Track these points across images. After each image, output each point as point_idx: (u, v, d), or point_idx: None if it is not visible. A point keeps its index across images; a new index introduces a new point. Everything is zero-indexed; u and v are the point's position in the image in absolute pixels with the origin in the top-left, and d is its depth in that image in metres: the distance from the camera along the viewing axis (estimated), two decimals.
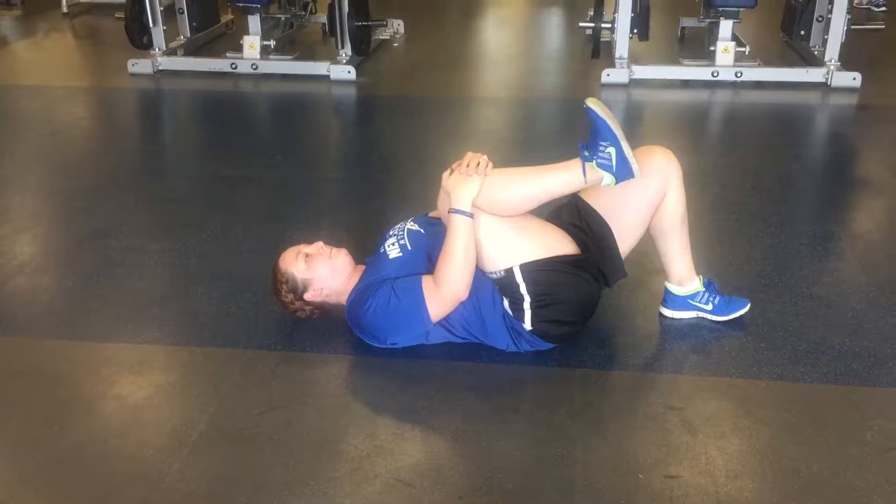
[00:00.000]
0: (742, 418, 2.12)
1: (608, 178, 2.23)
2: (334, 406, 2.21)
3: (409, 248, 2.39)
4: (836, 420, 2.11)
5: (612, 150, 2.19)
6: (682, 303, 2.52)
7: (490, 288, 2.32)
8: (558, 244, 2.33)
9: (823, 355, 2.36)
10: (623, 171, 2.21)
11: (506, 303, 2.31)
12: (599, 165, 2.22)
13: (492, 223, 2.26)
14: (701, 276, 2.52)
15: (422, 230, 2.44)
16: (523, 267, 2.26)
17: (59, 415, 2.16)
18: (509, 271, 2.27)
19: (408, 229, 2.45)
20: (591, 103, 2.21)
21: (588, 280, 2.33)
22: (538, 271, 2.26)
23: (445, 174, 2.29)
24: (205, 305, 2.65)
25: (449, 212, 2.24)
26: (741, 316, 2.52)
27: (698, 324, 2.52)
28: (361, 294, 2.33)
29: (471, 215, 2.23)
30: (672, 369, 2.35)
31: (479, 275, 2.30)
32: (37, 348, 2.47)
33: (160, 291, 2.76)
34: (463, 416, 2.14)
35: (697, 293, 2.50)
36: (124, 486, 1.93)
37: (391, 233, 2.48)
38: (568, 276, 2.29)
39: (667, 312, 2.55)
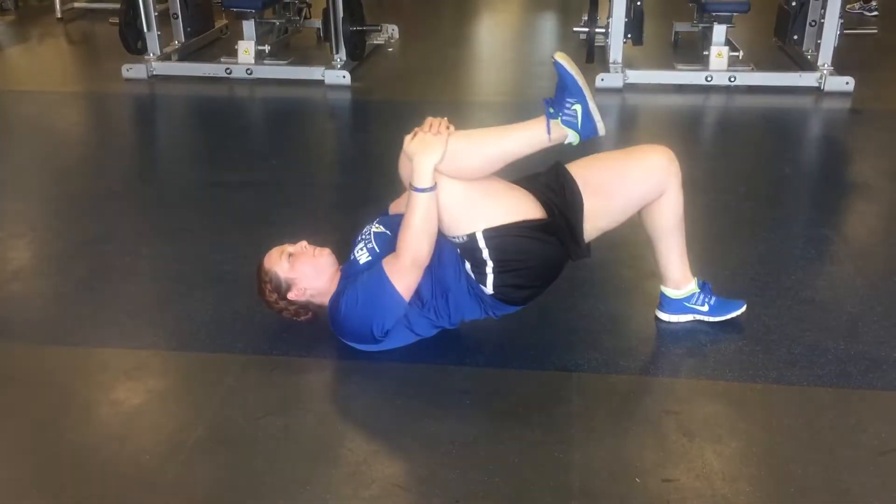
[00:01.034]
0: (738, 422, 2.13)
1: (572, 135, 2.19)
2: (331, 411, 2.21)
3: (378, 251, 2.39)
4: (832, 423, 2.11)
5: (578, 106, 2.16)
6: (679, 306, 2.52)
7: (452, 254, 2.31)
8: (523, 208, 2.29)
9: (819, 358, 2.37)
10: (588, 129, 2.18)
11: (467, 265, 2.29)
12: (564, 122, 2.17)
13: (454, 187, 2.22)
14: (696, 278, 2.52)
15: (388, 231, 2.44)
16: (486, 233, 2.23)
17: (54, 421, 2.16)
18: (472, 237, 2.24)
19: (373, 232, 2.45)
20: (560, 58, 2.17)
21: (553, 244, 2.30)
22: (501, 237, 2.23)
23: (408, 138, 2.24)
24: (200, 310, 2.64)
25: (410, 188, 2.21)
26: (737, 319, 2.53)
27: (694, 327, 2.52)
28: (335, 300, 2.34)
29: (433, 189, 2.19)
30: (668, 373, 2.36)
31: (441, 241, 2.29)
32: (32, 354, 2.46)
33: (156, 297, 2.76)
34: (459, 420, 2.14)
35: (693, 295, 2.51)
36: (121, 492, 1.92)
37: (359, 238, 2.48)
38: (532, 241, 2.27)
39: (663, 316, 2.55)
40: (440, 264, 2.31)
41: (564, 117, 2.18)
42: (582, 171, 2.37)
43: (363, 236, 2.47)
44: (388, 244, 2.38)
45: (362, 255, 2.41)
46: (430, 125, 2.23)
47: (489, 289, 2.30)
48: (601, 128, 2.19)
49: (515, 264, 2.27)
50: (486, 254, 2.24)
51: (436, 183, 2.19)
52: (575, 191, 2.33)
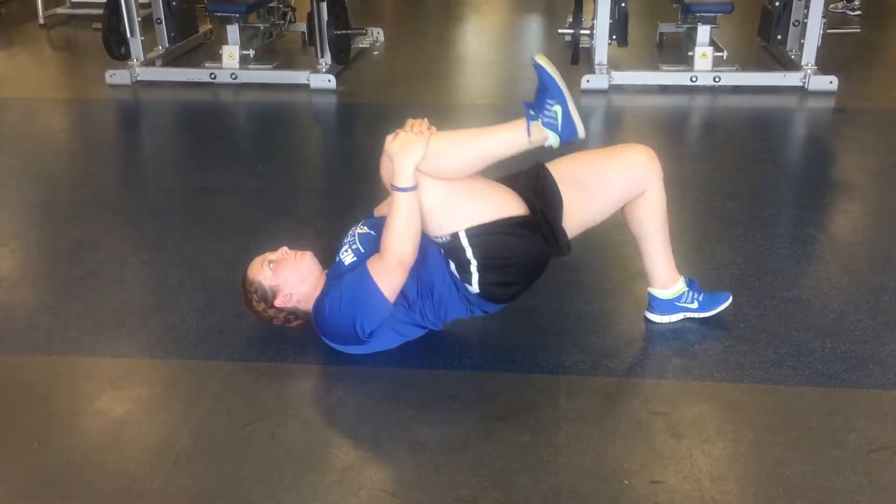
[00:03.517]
0: (726, 422, 2.13)
1: (553, 137, 2.20)
2: (318, 417, 2.20)
3: (363, 251, 2.39)
4: (819, 422, 2.12)
5: (558, 108, 2.17)
6: (669, 306, 2.52)
7: (436, 254, 2.31)
8: (505, 205, 2.30)
9: (805, 358, 2.37)
10: (568, 131, 2.19)
11: (452, 266, 2.30)
12: (545, 124, 2.19)
13: (436, 187, 2.23)
14: (682, 277, 2.53)
15: (372, 232, 2.44)
16: (469, 231, 2.24)
17: (38, 431, 2.14)
18: (455, 236, 2.25)
19: (358, 233, 2.46)
20: (541, 59, 2.19)
21: (537, 240, 2.31)
22: (484, 235, 2.24)
23: (389, 138, 2.25)
24: (186, 318, 2.63)
25: (391, 188, 2.22)
26: (723, 319, 2.54)
27: (681, 328, 2.52)
28: (320, 301, 2.34)
29: (414, 188, 2.20)
30: (656, 374, 2.36)
31: (425, 241, 2.29)
32: (15, 363, 2.44)
33: (141, 304, 2.74)
34: (446, 425, 2.14)
35: (682, 294, 2.51)
36: (106, 501, 1.91)
37: (344, 241, 2.48)
38: (515, 238, 2.27)
39: (654, 318, 2.55)
40: (424, 264, 2.31)
41: (545, 119, 2.19)
42: (562, 169, 2.39)
43: (348, 239, 2.47)
44: (373, 244, 2.37)
45: (347, 256, 2.41)
46: (412, 126, 2.25)
47: (475, 287, 2.30)
48: (581, 130, 2.20)
49: (500, 262, 2.28)
50: (469, 253, 2.25)
51: (417, 183, 2.20)
52: (554, 190, 2.34)
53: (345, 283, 2.29)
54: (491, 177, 2.38)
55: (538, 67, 2.19)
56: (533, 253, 2.33)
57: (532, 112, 2.21)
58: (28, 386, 2.33)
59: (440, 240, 2.28)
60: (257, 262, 2.42)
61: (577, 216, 2.37)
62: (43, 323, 2.64)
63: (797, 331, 2.50)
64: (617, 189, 2.37)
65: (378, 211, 2.61)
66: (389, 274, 2.25)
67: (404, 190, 2.20)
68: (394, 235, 2.22)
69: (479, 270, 2.27)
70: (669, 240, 2.48)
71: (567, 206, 2.34)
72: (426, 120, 2.27)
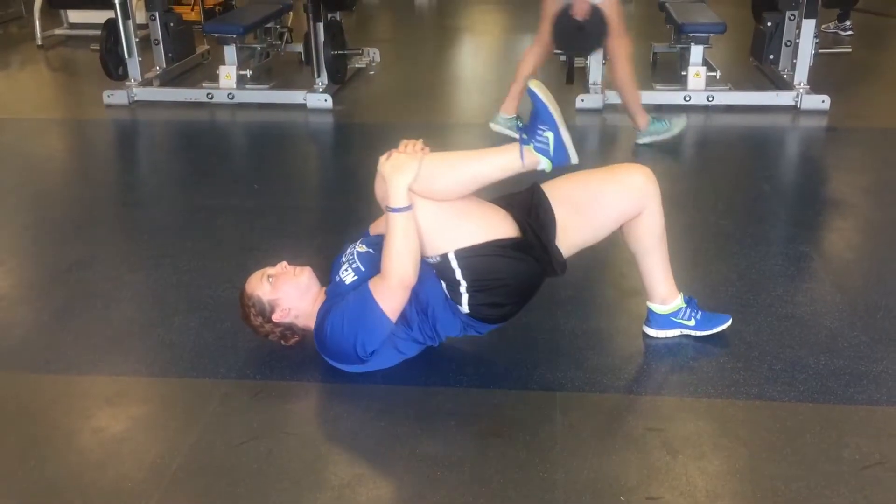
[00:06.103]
0: (721, 438, 2.14)
1: (545, 162, 2.23)
2: (314, 435, 2.20)
3: (363, 269, 2.40)
4: (813, 438, 2.13)
5: (549, 134, 2.20)
6: (666, 321, 2.54)
7: (430, 273, 2.33)
8: (496, 227, 2.31)
9: (799, 374, 2.38)
10: (560, 157, 2.21)
11: (443, 285, 2.32)
12: (536, 149, 2.21)
13: (427, 208, 2.24)
14: (681, 294, 2.54)
15: (371, 250, 2.45)
16: (458, 253, 2.25)
17: (35, 450, 2.14)
18: (444, 257, 2.26)
19: (357, 252, 2.46)
20: (534, 86, 2.22)
21: (527, 262, 2.32)
22: (473, 257, 2.26)
23: (382, 158, 2.27)
24: (183, 336, 2.63)
25: (386, 210, 2.24)
26: (718, 336, 2.55)
27: (676, 345, 2.54)
28: (321, 320, 2.34)
29: (409, 208, 2.22)
30: (651, 391, 2.37)
31: (421, 261, 2.30)
32: (12, 382, 2.44)
33: (137, 322, 2.74)
34: (443, 441, 2.14)
35: (679, 310, 2.53)
36: None
37: (343, 259, 2.48)
38: (505, 259, 2.28)
39: (651, 332, 2.56)
40: (421, 282, 2.32)
41: (537, 144, 2.22)
42: (557, 189, 2.41)
43: (346, 257, 2.48)
44: (373, 262, 2.38)
45: (348, 276, 2.41)
46: (405, 146, 2.27)
47: (464, 308, 2.31)
48: (573, 156, 2.23)
49: (489, 283, 2.29)
50: (459, 274, 2.26)
51: (411, 203, 2.22)
52: (547, 208, 2.36)
53: (346, 303, 2.30)
54: (486, 197, 2.39)
55: (531, 93, 2.23)
56: (523, 275, 2.34)
57: (524, 136, 2.23)
58: (25, 404, 2.33)
59: (431, 260, 2.30)
60: (256, 277, 2.43)
61: (573, 236, 2.39)
62: (39, 341, 2.65)
63: (791, 347, 2.52)
64: (613, 210, 2.39)
65: (373, 228, 2.63)
66: (391, 294, 2.26)
67: (399, 210, 2.21)
68: (393, 256, 2.23)
69: (468, 291, 2.28)
70: (668, 257, 2.50)
71: (562, 227, 2.36)
72: (420, 141, 2.29)
